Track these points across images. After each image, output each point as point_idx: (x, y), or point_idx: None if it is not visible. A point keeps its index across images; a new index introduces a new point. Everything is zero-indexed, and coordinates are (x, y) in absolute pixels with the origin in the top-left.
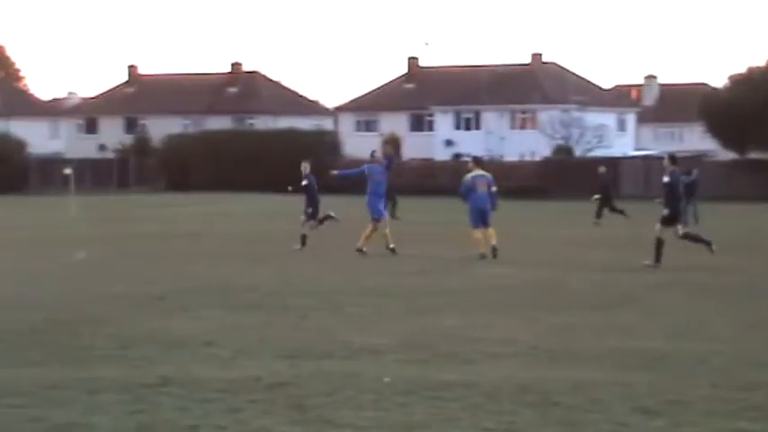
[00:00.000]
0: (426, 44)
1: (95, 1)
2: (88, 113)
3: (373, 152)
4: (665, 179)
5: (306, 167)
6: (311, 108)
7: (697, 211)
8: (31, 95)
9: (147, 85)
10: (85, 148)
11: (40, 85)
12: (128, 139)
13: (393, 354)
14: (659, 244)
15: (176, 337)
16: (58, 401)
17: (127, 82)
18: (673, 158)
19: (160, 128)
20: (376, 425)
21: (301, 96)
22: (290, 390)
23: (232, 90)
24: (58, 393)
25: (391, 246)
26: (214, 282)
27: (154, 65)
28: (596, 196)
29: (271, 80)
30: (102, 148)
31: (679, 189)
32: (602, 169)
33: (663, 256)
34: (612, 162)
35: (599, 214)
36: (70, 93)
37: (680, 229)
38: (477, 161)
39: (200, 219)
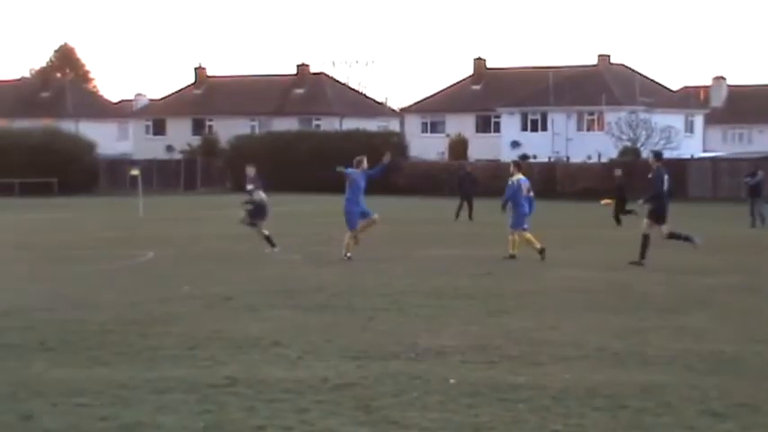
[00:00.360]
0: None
1: (163, 3)
2: (156, 115)
3: (360, 159)
4: (649, 175)
5: (251, 171)
6: (377, 109)
7: (763, 212)
8: (101, 97)
9: (215, 86)
10: (153, 149)
11: (109, 87)
12: (195, 141)
13: (460, 355)
14: (645, 240)
15: (244, 337)
16: (127, 401)
17: (194, 83)
18: (657, 155)
19: (227, 129)
20: (442, 426)
21: (368, 98)
22: (356, 390)
23: (298, 91)
24: (127, 393)
25: (349, 255)
26: (281, 282)
27: (221, 66)
28: (606, 200)
29: (337, 82)
30: (169, 149)
31: (661, 186)
32: (617, 172)
33: (648, 252)
34: (680, 164)
35: (618, 220)
36: (138, 94)
37: (664, 229)
38: (519, 166)
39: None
